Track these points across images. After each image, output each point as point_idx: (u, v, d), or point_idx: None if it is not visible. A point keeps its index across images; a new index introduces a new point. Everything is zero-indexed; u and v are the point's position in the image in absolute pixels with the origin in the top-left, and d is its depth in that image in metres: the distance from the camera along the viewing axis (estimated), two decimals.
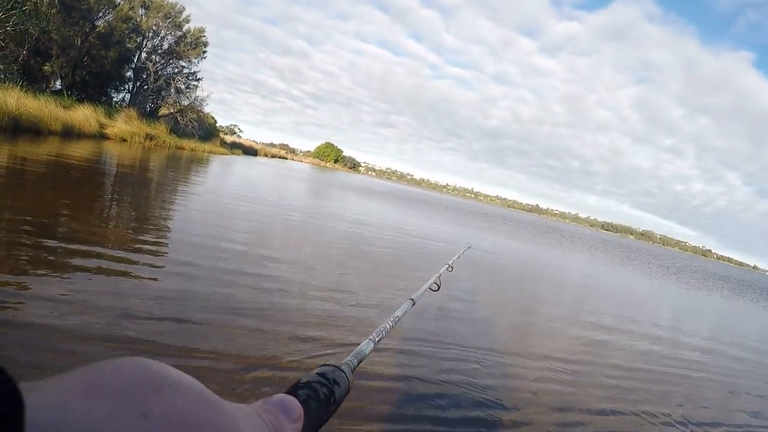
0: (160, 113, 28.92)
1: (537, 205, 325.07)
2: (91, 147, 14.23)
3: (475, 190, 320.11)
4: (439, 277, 1.52)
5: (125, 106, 24.50)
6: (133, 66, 26.20)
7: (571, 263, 15.86)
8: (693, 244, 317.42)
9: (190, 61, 29.21)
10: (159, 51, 27.13)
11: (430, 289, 1.43)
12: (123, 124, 21.56)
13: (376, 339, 0.58)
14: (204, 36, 29.39)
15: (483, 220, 31.81)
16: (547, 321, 5.87)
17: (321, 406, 0.39)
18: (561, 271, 12.51)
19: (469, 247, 3.00)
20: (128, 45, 24.83)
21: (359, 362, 0.50)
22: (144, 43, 26.16)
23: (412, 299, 1.01)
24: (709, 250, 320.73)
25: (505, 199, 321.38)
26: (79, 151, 12.11)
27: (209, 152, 30.91)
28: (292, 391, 0.42)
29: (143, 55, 26.45)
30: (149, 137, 22.11)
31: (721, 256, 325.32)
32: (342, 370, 0.43)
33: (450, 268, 1.98)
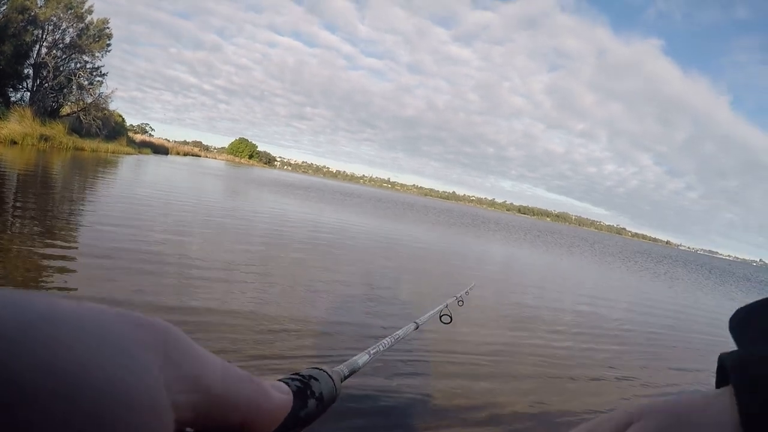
0: (62, 112, 28.08)
1: (454, 192, 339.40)
2: None
3: (391, 180, 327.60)
4: (447, 307, 1.48)
5: (24, 106, 23.77)
6: (32, 62, 25.35)
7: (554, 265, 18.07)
8: (608, 224, 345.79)
9: (93, 55, 28.59)
10: (60, 45, 26.40)
11: (440, 320, 1.41)
12: (16, 125, 20.98)
13: (372, 352, 0.56)
14: (108, 28, 28.92)
15: (415, 212, 33.88)
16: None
17: (306, 402, 0.35)
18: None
19: (473, 285, 2.80)
20: (25, 38, 24.07)
21: (351, 373, 0.49)
22: (43, 36, 25.39)
23: (416, 323, 1.03)
24: (624, 228, 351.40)
25: (421, 187, 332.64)
26: None
27: (113, 152, 30.22)
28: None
29: (43, 49, 25.66)
30: (44, 138, 21.80)
31: (636, 233, 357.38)
32: (331, 376, 0.39)
33: (460, 302, 1.81)
